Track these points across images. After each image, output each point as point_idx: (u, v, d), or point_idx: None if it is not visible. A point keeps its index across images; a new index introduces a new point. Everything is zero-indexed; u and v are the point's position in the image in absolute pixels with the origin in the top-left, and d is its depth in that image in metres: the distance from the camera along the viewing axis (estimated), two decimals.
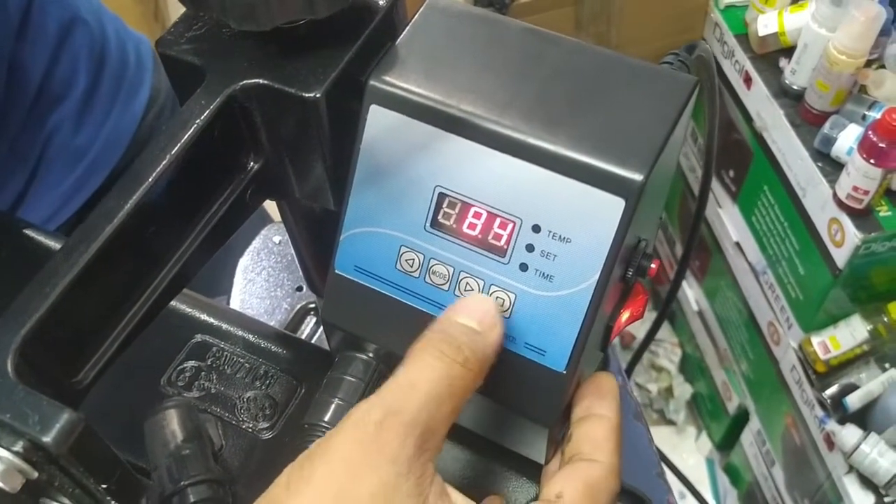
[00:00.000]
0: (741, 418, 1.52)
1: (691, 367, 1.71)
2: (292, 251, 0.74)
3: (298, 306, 0.71)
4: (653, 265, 0.39)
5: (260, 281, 0.73)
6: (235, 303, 0.72)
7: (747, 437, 1.51)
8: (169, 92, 0.85)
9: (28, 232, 0.58)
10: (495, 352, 0.36)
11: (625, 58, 0.39)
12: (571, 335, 0.37)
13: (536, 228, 0.36)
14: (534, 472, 0.46)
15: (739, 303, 1.42)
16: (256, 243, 0.76)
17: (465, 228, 0.38)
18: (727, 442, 1.61)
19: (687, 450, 1.69)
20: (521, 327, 0.38)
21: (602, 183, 0.35)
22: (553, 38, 0.40)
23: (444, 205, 0.38)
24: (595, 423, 0.38)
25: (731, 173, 1.37)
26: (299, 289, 0.73)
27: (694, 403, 1.72)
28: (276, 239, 0.76)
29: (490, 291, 0.38)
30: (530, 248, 0.37)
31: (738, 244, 1.38)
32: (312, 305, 0.71)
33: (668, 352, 1.74)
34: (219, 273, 0.77)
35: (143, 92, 0.82)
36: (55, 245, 0.56)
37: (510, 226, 0.37)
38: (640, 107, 0.37)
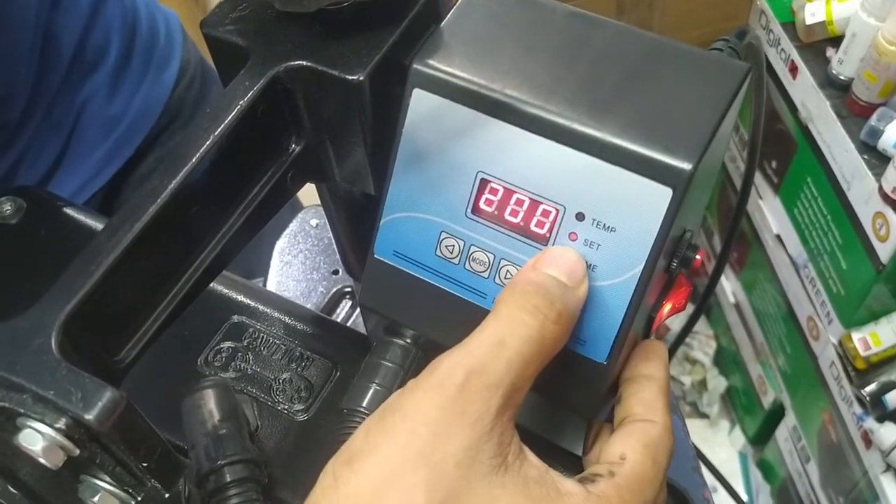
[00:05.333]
0: (776, 413, 1.50)
1: (726, 360, 1.69)
2: (329, 235, 0.74)
3: (334, 290, 0.71)
4: (697, 256, 0.38)
5: (296, 264, 0.74)
6: (272, 285, 0.73)
7: (782, 432, 1.49)
8: (198, 65, 0.88)
9: (67, 210, 0.58)
10: (580, 309, 0.35)
11: (674, 42, 0.38)
12: (613, 326, 0.36)
13: (580, 216, 0.36)
14: (569, 463, 0.46)
15: (778, 296, 1.40)
16: (293, 226, 0.76)
17: (506, 215, 0.37)
18: (761, 437, 1.58)
19: (719, 443, 1.67)
20: None
21: (649, 171, 0.34)
22: (600, 21, 0.39)
23: (486, 191, 0.37)
24: (644, 384, 0.38)
25: (774, 164, 1.34)
26: (335, 272, 0.73)
27: (728, 397, 1.70)
28: (314, 222, 0.76)
29: None
30: (573, 236, 0.36)
31: (778, 237, 1.36)
32: (348, 289, 0.71)
33: (702, 344, 1.72)
34: (255, 255, 0.77)
35: (173, 63, 0.84)
36: (91, 223, 0.57)
37: (553, 213, 0.36)
38: (689, 93, 0.36)
